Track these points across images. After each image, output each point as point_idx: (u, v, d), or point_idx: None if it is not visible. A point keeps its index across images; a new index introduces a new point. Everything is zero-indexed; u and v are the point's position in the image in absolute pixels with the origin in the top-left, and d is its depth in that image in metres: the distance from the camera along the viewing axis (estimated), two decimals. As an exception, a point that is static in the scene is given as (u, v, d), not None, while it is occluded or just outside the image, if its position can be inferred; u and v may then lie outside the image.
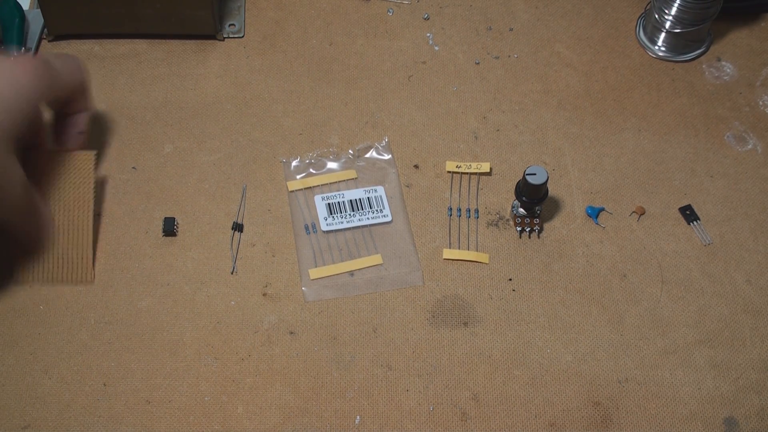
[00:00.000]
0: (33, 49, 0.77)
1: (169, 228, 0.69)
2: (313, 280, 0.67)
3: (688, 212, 0.71)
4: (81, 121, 0.68)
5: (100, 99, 0.75)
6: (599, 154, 0.75)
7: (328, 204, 0.70)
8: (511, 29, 0.82)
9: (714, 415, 0.63)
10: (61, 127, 0.68)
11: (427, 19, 0.82)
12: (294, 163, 0.72)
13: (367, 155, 0.74)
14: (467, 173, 0.73)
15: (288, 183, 0.71)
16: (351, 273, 0.68)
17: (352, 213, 0.70)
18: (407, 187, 0.72)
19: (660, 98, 0.78)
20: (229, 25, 0.80)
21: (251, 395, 0.62)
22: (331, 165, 0.73)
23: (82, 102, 0.67)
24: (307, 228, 0.69)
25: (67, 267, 0.66)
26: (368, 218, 0.70)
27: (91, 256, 0.66)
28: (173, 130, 0.74)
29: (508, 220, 0.71)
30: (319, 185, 0.72)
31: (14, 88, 0.57)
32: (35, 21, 0.79)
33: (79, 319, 0.65)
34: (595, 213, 0.71)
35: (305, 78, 0.78)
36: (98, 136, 0.73)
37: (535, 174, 0.66)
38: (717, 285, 0.68)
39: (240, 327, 0.65)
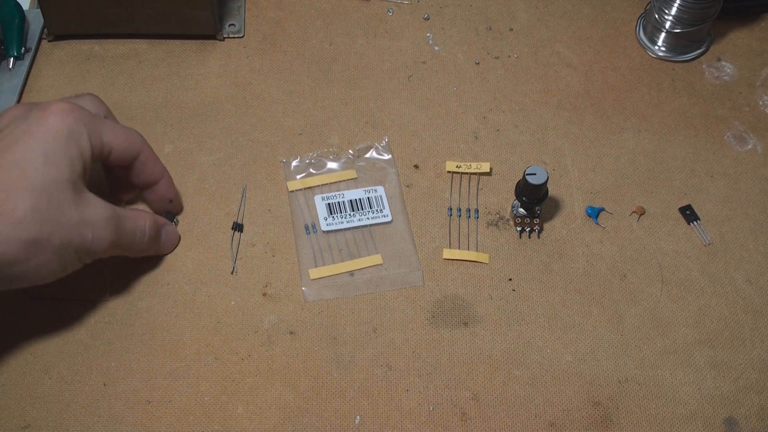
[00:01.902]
0: (33, 49, 0.77)
1: (169, 228, 0.69)
2: (313, 280, 0.67)
3: (688, 212, 0.71)
4: (164, 189, 0.66)
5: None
6: (599, 154, 0.75)
7: (328, 204, 0.70)
8: (511, 29, 0.82)
9: (714, 415, 0.63)
10: (151, 202, 0.68)
11: (427, 19, 0.82)
12: (294, 163, 0.72)
13: (367, 155, 0.74)
14: (467, 173, 0.73)
15: (288, 183, 0.71)
16: (351, 273, 0.68)
17: (352, 213, 0.70)
18: (407, 187, 0.72)
19: (660, 98, 0.78)
20: (229, 25, 0.80)
21: (251, 395, 0.62)
22: (331, 165, 0.73)
23: (152, 167, 0.65)
24: (307, 228, 0.69)
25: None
26: (368, 218, 0.70)
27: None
28: (173, 130, 0.74)
29: (508, 220, 0.71)
30: (319, 185, 0.72)
31: (50, 133, 0.55)
32: (35, 21, 0.79)
33: (79, 319, 0.65)
34: (595, 213, 0.71)
35: (305, 78, 0.78)
36: (98, 136, 0.73)
37: (535, 174, 0.66)
38: (717, 285, 0.68)
39: (240, 327, 0.65)
